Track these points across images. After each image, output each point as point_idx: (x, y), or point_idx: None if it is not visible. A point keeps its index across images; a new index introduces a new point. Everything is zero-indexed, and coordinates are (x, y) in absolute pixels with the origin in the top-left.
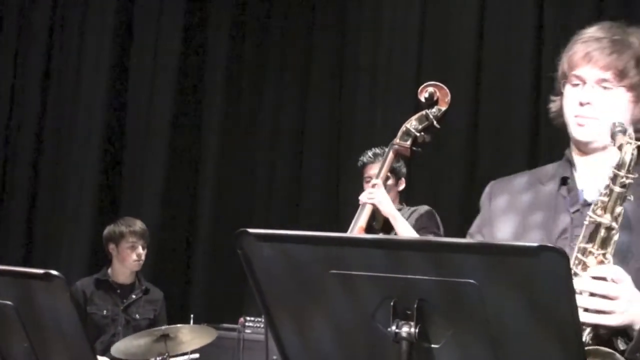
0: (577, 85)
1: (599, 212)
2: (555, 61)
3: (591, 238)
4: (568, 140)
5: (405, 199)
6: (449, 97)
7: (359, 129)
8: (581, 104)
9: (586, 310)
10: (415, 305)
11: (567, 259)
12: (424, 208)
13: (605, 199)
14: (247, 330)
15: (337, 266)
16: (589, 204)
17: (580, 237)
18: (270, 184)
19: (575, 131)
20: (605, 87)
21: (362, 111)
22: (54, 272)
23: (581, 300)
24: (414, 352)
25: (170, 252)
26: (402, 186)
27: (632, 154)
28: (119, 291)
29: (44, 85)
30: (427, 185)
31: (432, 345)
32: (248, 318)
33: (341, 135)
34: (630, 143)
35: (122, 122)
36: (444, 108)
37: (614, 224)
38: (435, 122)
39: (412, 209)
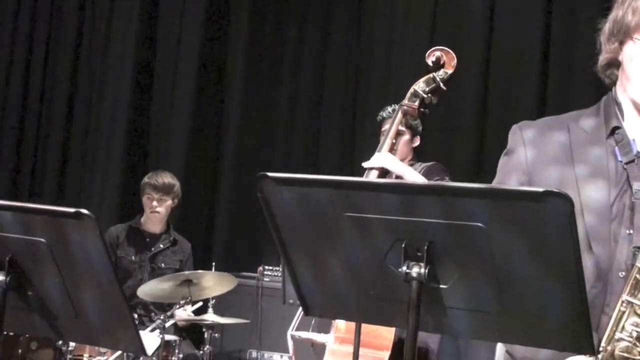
0: None
1: None
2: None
3: None
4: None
5: (419, 156)
6: (455, 61)
7: (374, 84)
8: None
9: None
10: (426, 247)
11: (572, 204)
12: (432, 163)
13: None
14: (266, 279)
15: (352, 209)
16: None
17: None
18: (290, 133)
19: None
20: None
21: (377, 69)
22: (85, 211)
23: None
24: (424, 291)
25: (195, 204)
26: (417, 143)
27: None
28: (148, 239)
29: (76, 43)
30: (440, 145)
31: (441, 285)
32: (266, 267)
33: (358, 89)
34: None
35: (150, 72)
36: (450, 71)
37: None
38: (441, 85)
39: (424, 164)
